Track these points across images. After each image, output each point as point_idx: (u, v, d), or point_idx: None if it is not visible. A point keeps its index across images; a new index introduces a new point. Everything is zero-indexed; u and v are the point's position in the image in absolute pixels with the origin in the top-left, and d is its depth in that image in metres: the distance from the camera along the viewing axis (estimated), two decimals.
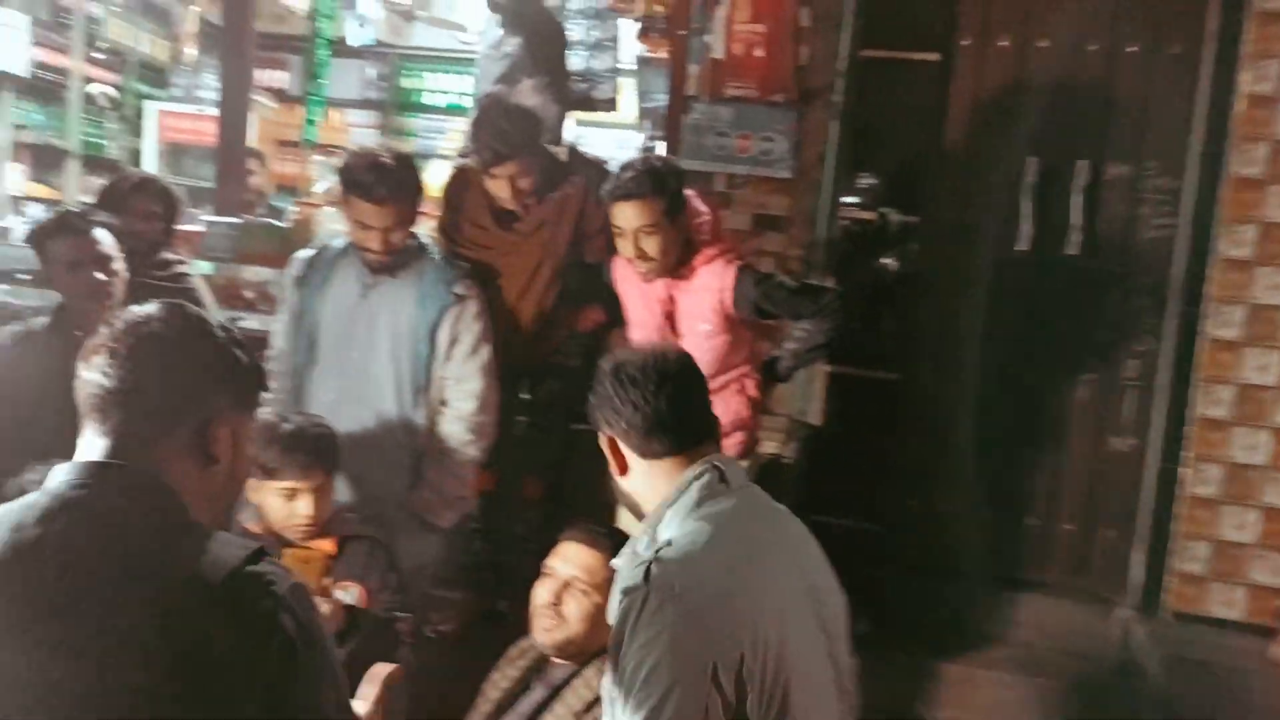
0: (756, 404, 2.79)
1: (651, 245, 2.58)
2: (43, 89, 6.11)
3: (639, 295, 2.76)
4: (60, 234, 2.47)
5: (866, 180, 3.98)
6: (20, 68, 5.51)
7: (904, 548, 3.77)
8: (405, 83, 8.07)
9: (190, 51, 7.06)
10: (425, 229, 2.89)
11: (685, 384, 1.60)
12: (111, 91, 6.49)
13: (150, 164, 6.33)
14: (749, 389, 2.77)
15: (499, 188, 2.79)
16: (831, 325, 2.68)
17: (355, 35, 6.93)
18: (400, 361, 2.60)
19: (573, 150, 3.54)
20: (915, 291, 3.89)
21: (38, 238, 2.54)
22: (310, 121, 5.67)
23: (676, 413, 1.55)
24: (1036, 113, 3.67)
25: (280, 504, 2.15)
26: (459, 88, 7.52)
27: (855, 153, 3.78)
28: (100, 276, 2.44)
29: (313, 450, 2.17)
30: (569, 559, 1.87)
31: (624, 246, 2.63)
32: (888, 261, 4.00)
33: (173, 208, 3.18)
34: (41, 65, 5.85)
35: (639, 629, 1.39)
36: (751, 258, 3.24)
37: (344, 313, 2.63)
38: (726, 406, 2.71)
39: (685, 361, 1.64)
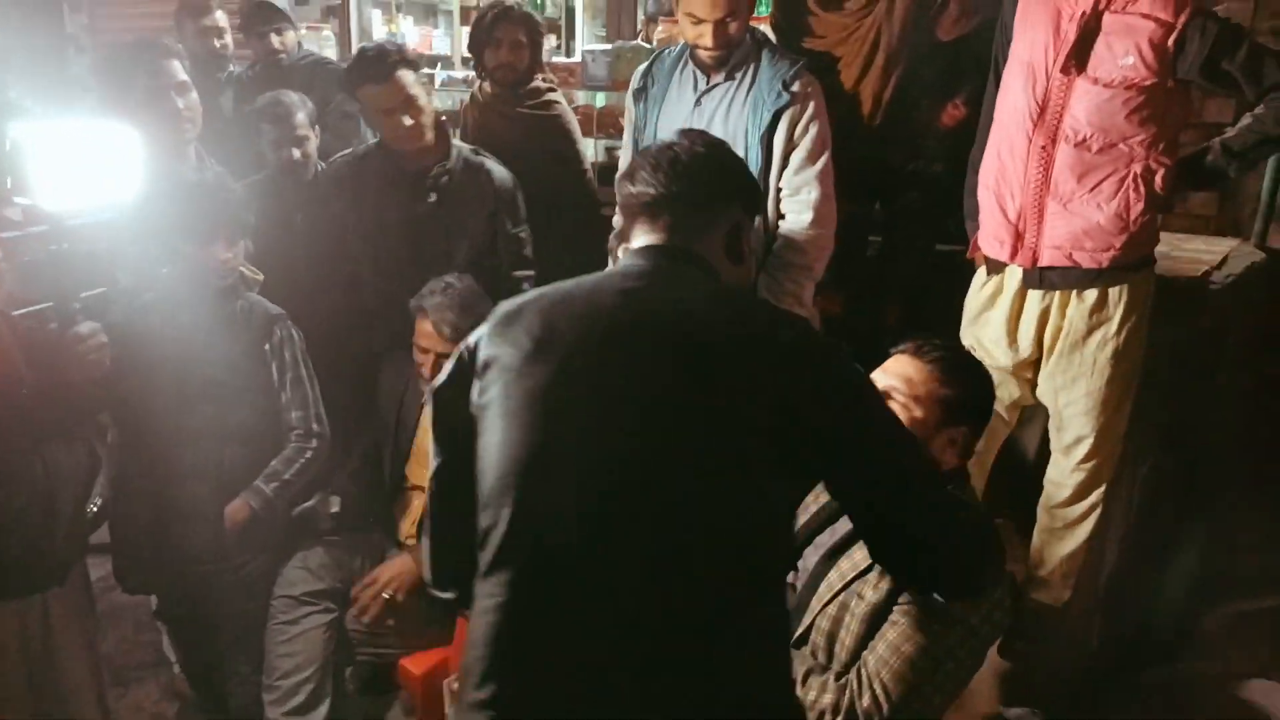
0: (1157, 202, 2.14)
1: None
2: None
3: (1050, 16, 2.19)
4: (365, 83, 2.50)
5: None
6: None
7: None
8: None
9: None
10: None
11: None
12: None
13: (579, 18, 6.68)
14: (1155, 178, 2.12)
15: None
16: None
17: None
18: None
19: None
20: None
21: (349, 86, 2.60)
22: None
23: None
24: None
25: None
26: None
27: None
28: (408, 121, 2.49)
29: None
30: (889, 369, 1.68)
31: None
32: None
33: (537, 34, 3.21)
34: None
35: None
36: None
37: (679, 123, 2.48)
38: (1113, 191, 2.14)
39: None
